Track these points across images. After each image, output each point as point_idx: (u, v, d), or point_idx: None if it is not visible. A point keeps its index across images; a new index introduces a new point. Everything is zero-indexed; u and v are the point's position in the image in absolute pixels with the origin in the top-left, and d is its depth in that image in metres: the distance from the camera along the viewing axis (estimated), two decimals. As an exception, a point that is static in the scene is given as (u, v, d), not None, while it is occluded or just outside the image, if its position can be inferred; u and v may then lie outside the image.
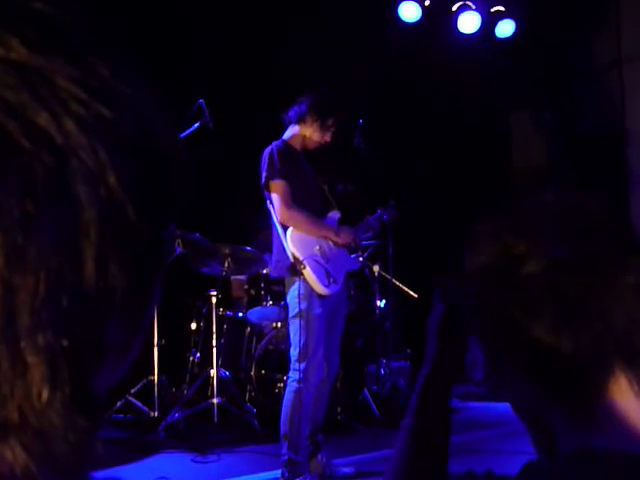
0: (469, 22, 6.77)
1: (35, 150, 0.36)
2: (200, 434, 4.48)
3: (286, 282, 3.56)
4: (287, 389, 3.48)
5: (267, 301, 5.19)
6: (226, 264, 4.93)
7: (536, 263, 0.74)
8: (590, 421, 0.75)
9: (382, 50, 6.46)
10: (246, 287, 5.40)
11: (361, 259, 4.82)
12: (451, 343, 1.04)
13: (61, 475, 0.39)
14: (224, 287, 5.46)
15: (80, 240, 0.37)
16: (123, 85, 0.41)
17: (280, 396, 4.69)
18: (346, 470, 3.74)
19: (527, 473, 0.70)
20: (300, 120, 3.67)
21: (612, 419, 0.74)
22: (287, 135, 3.72)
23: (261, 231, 5.91)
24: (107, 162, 0.38)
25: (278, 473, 3.45)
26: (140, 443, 4.36)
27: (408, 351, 6.24)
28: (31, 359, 0.36)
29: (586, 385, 0.73)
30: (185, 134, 4.15)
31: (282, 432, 3.42)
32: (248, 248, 5.05)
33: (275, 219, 3.53)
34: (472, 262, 0.81)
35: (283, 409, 3.45)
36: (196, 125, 4.16)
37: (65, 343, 0.37)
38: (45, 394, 0.36)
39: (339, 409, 4.81)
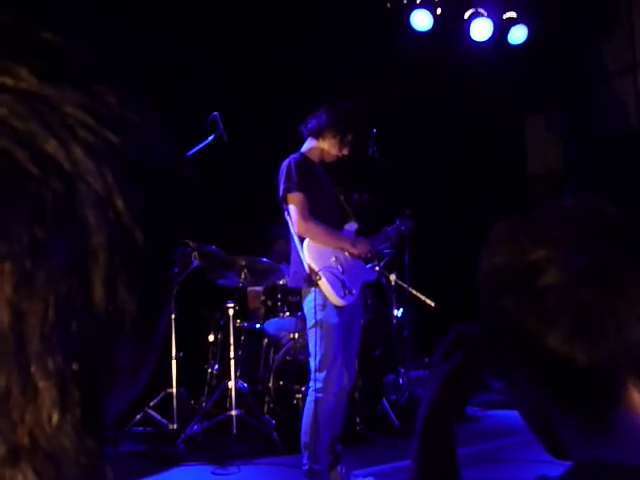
0: (481, 29, 6.78)
1: (44, 177, 0.36)
2: (219, 446, 4.48)
3: (303, 292, 3.59)
4: (307, 399, 3.50)
5: (284, 312, 5.19)
6: (243, 276, 4.93)
7: (555, 273, 0.73)
8: (602, 433, 0.74)
9: (395, 59, 6.47)
10: (263, 298, 5.40)
11: (377, 268, 4.81)
12: (461, 390, 1.02)
13: None
14: (241, 299, 5.47)
15: (89, 265, 0.38)
16: (129, 111, 0.42)
17: (298, 407, 4.68)
18: (366, 481, 3.73)
19: None
20: (319, 134, 3.71)
21: (624, 432, 0.73)
22: (305, 148, 3.76)
23: (276, 241, 5.93)
24: (114, 187, 0.39)
25: (298, 484, 3.44)
26: (160, 456, 4.37)
27: (426, 360, 6.21)
28: (41, 384, 0.36)
29: (599, 397, 0.73)
30: (200, 147, 4.17)
31: (303, 442, 3.43)
32: (264, 259, 5.06)
33: (292, 231, 3.56)
34: (488, 262, 0.80)
35: (304, 419, 3.46)
36: (211, 138, 4.18)
37: (75, 367, 0.37)
38: (55, 418, 0.37)
39: (358, 419, 4.79)
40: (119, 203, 0.39)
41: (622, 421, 0.73)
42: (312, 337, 3.47)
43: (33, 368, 0.36)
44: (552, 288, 0.73)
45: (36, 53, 0.39)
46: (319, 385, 3.41)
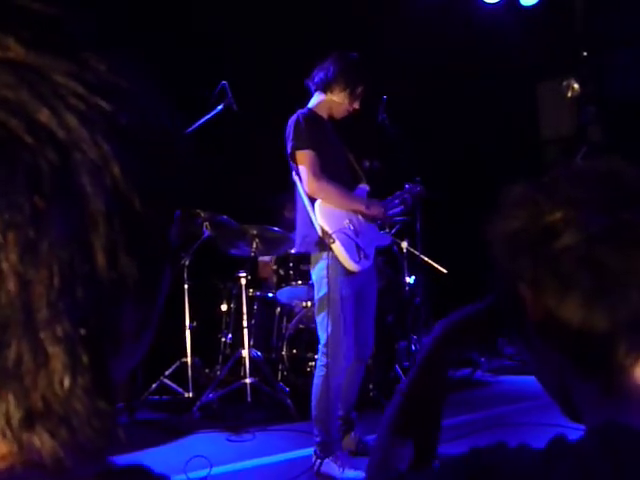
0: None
1: (39, 146, 0.37)
2: (234, 413, 4.54)
3: (312, 258, 3.41)
4: (315, 373, 3.41)
5: (296, 280, 5.20)
6: (254, 245, 4.94)
7: (573, 235, 0.72)
8: (618, 398, 0.73)
9: (405, 23, 6.37)
10: (274, 267, 5.42)
11: (389, 235, 4.80)
12: (469, 339, 1.01)
13: (86, 460, 0.40)
14: (253, 268, 5.50)
15: (89, 232, 0.38)
16: (120, 78, 0.42)
17: (312, 375, 4.70)
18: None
19: (553, 446, 0.70)
20: (327, 87, 3.48)
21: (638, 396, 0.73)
22: (313, 103, 3.54)
23: (285, 209, 5.92)
24: (110, 154, 0.39)
25: (312, 450, 3.47)
26: (176, 423, 4.44)
27: (438, 326, 6.22)
28: (51, 349, 0.37)
29: (617, 362, 0.72)
30: (208, 116, 4.15)
31: (313, 415, 3.39)
32: (276, 228, 5.06)
33: (302, 191, 3.37)
34: (503, 226, 0.79)
35: (313, 394, 3.38)
36: (220, 107, 4.15)
37: (83, 332, 0.38)
38: (67, 382, 0.38)
39: (371, 386, 4.83)
40: (115, 170, 0.39)
41: (637, 385, 0.72)
42: (322, 309, 3.33)
43: (42, 335, 0.37)
44: (570, 250, 0.72)
45: (23, 23, 0.39)
46: (329, 359, 3.29)
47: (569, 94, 7.32)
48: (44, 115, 0.37)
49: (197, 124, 4.07)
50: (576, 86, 7.29)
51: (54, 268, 0.37)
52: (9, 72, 0.37)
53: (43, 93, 0.38)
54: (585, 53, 7.33)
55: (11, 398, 0.37)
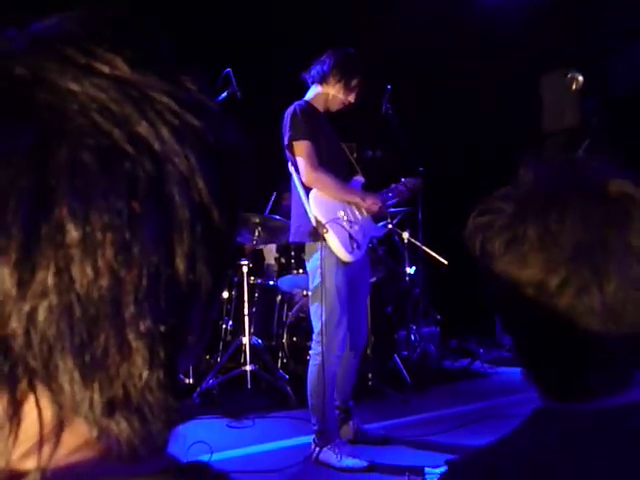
0: (498, -18, 6.62)
1: (138, 156, 0.40)
2: (234, 400, 4.57)
3: (307, 248, 3.45)
4: (310, 362, 3.43)
5: (297, 269, 5.22)
6: (256, 233, 4.96)
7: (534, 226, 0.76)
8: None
9: (408, 13, 6.35)
10: (276, 256, 5.44)
11: (390, 226, 4.81)
12: None
13: (153, 452, 0.43)
14: (254, 256, 5.51)
15: (174, 238, 0.42)
16: (207, 98, 0.46)
17: (312, 363, 4.75)
18: (377, 435, 3.78)
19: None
20: (323, 80, 3.54)
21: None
22: (309, 95, 3.60)
23: (284, 198, 5.93)
24: (196, 167, 0.42)
25: (311, 437, 3.50)
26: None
27: (438, 317, 6.25)
28: (135, 344, 0.40)
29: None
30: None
31: (309, 404, 3.42)
32: (277, 217, 5.07)
33: (297, 182, 3.41)
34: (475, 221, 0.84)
35: (308, 382, 3.42)
36: (223, 95, 4.15)
37: (162, 329, 0.41)
38: (145, 375, 0.41)
39: (370, 375, 4.85)
40: (200, 183, 0.43)
41: None
42: (316, 298, 3.36)
43: (128, 330, 0.40)
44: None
45: (128, 44, 0.43)
46: (323, 348, 3.32)
47: (573, 86, 7.30)
48: (143, 128, 0.41)
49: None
50: (580, 78, 7.27)
51: (143, 269, 0.40)
52: (116, 88, 0.41)
53: (143, 108, 0.41)
54: (590, 45, 7.31)
55: (96, 387, 0.40)
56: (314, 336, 3.42)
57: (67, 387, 0.39)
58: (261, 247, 5.71)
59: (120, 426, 0.41)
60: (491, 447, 0.78)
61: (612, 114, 7.02)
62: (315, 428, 3.43)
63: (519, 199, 0.79)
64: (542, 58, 7.50)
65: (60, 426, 0.40)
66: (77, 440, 0.42)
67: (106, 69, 0.41)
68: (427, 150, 4.93)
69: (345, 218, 3.39)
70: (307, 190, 3.38)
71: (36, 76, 0.40)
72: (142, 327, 0.40)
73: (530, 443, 0.75)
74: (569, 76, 7.16)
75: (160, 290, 0.41)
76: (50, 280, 0.38)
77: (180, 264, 0.42)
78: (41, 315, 0.38)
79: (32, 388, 0.39)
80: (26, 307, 0.38)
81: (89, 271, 0.39)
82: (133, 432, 0.41)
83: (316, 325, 3.39)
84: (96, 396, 0.40)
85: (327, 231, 3.28)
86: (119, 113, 0.41)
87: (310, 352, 3.50)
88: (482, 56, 6.87)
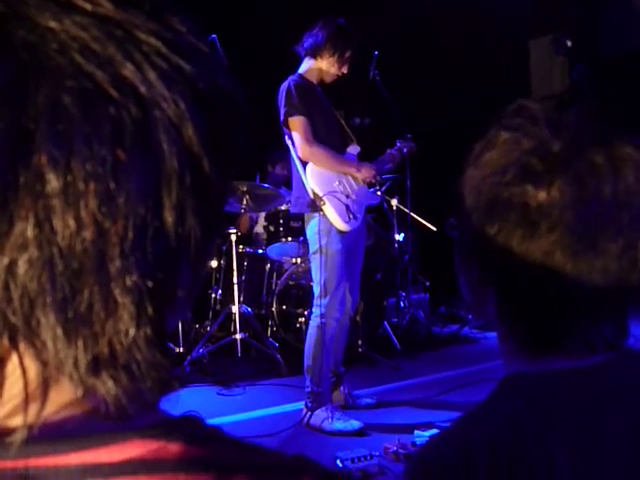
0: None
1: (123, 100, 0.38)
2: (224, 368, 4.59)
3: (305, 218, 3.57)
4: (310, 324, 3.54)
5: (286, 237, 5.22)
6: (244, 201, 4.94)
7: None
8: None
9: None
10: (265, 224, 5.42)
11: (379, 193, 4.80)
12: None
13: (143, 410, 0.42)
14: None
15: (162, 189, 0.40)
16: (199, 42, 0.43)
17: (301, 330, 4.77)
18: (367, 400, 3.82)
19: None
20: (316, 53, 3.58)
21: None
22: (303, 69, 3.63)
23: (274, 166, 5.91)
24: (186, 114, 0.40)
25: (302, 404, 3.54)
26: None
27: (427, 283, 6.29)
28: (121, 299, 0.39)
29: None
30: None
31: (305, 365, 3.50)
32: (265, 185, 5.05)
33: (294, 155, 3.50)
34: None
35: (307, 343, 3.51)
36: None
37: (150, 284, 0.40)
38: (132, 331, 0.39)
39: (360, 342, 4.89)
40: (189, 131, 0.41)
41: None
42: (315, 263, 3.48)
43: (113, 284, 0.38)
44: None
45: None
46: (322, 310, 3.44)
47: (561, 51, 7.26)
48: (129, 70, 0.38)
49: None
50: (569, 43, 7.23)
51: (129, 221, 0.38)
52: (98, 26, 0.38)
53: (128, 49, 0.39)
54: (578, 9, 7.25)
55: (80, 344, 0.38)
56: (314, 300, 3.54)
57: (50, 344, 0.38)
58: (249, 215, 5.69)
59: (106, 385, 0.40)
60: (464, 420, 0.78)
61: (601, 78, 6.99)
62: (308, 390, 3.49)
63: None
64: (531, 22, 7.44)
65: (45, 384, 0.39)
66: (64, 398, 0.41)
67: (88, 6, 0.39)
68: (415, 116, 4.90)
69: (341, 189, 3.49)
70: (304, 164, 3.47)
71: (13, 12, 0.37)
72: (128, 282, 0.39)
73: (500, 412, 0.75)
74: (557, 40, 7.12)
75: (147, 243, 0.39)
76: (30, 232, 0.36)
77: (168, 216, 0.40)
78: (21, 268, 0.37)
79: (14, 345, 0.38)
80: (4, 260, 0.36)
81: (71, 223, 0.37)
82: (121, 390, 0.40)
83: (316, 289, 3.52)
84: (80, 354, 0.38)
85: (324, 203, 3.39)
86: (102, 54, 0.38)
87: (310, 314, 3.60)
88: (470, 22, 6.80)
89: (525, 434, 0.71)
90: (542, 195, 0.72)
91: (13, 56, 0.37)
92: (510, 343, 0.80)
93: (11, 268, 0.37)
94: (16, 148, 0.36)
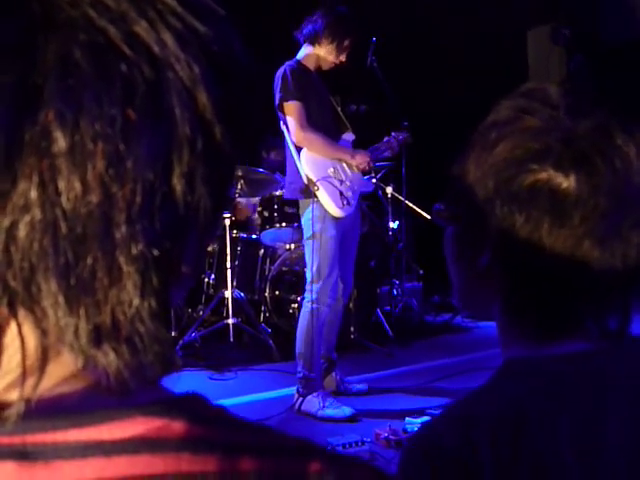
0: None
1: (135, 58, 0.36)
2: (217, 353, 4.60)
3: (300, 204, 3.58)
4: (302, 309, 3.55)
5: (280, 223, 5.21)
6: (239, 186, 4.92)
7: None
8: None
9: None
10: (259, 209, 5.41)
11: (374, 180, 4.80)
12: None
13: (145, 384, 0.40)
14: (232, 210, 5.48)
15: (173, 154, 0.38)
16: (215, 4, 0.42)
17: (294, 316, 4.77)
18: (359, 387, 3.84)
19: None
20: (315, 40, 3.57)
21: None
22: (301, 55, 3.63)
23: (269, 151, 5.89)
24: (199, 78, 0.39)
25: (293, 389, 3.55)
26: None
27: (421, 272, 6.29)
28: (126, 268, 0.37)
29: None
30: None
31: (297, 351, 3.51)
32: (261, 169, 5.04)
33: (289, 141, 3.50)
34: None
35: (299, 329, 3.52)
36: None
37: (156, 254, 0.38)
38: (136, 302, 0.38)
39: (352, 328, 4.90)
40: (202, 96, 0.39)
41: None
42: (309, 248, 3.49)
43: (118, 252, 0.37)
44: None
45: None
46: (314, 296, 3.45)
47: (560, 41, 7.24)
48: (142, 28, 0.37)
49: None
50: (567, 33, 7.21)
51: (137, 185, 0.36)
52: None
53: (142, 6, 0.37)
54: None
55: (82, 312, 0.37)
56: (306, 285, 3.55)
57: (50, 311, 0.36)
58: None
59: (108, 357, 0.38)
60: (462, 404, 0.78)
61: (599, 68, 6.98)
62: (300, 375, 3.50)
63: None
64: (529, 12, 7.41)
65: (45, 355, 0.38)
66: (63, 371, 0.39)
67: None
68: (411, 104, 4.89)
69: (335, 176, 3.49)
70: (298, 149, 3.47)
71: None
72: (134, 250, 0.37)
73: (502, 394, 0.75)
74: (555, 30, 7.10)
75: (155, 210, 0.38)
76: (33, 192, 0.35)
77: (178, 183, 0.38)
78: (22, 231, 0.35)
79: (13, 311, 0.36)
80: (5, 222, 0.35)
81: (77, 184, 0.35)
82: (122, 363, 0.38)
83: (308, 275, 3.53)
84: (82, 322, 0.37)
85: (318, 189, 3.39)
86: (115, 9, 0.36)
87: (303, 299, 3.62)
88: (468, 10, 6.77)
89: (529, 415, 0.71)
90: (571, 183, 0.69)
91: (24, 7, 0.35)
92: (514, 330, 0.78)
93: (12, 230, 0.35)
94: (23, 103, 0.34)
